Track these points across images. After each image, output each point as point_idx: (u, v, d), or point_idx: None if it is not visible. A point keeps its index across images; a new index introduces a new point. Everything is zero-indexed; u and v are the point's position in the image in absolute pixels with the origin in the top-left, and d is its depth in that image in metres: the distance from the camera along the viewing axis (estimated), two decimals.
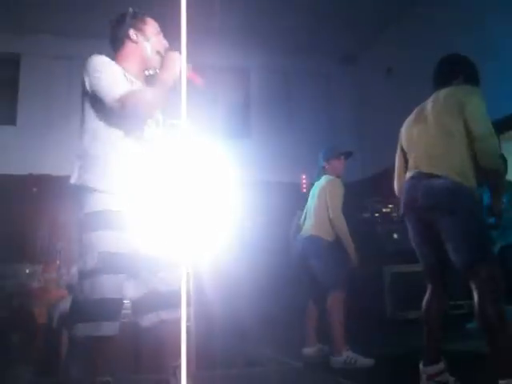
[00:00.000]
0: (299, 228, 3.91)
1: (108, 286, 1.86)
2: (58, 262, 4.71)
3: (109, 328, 1.84)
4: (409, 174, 2.52)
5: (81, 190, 1.92)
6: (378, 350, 3.57)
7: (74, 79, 5.90)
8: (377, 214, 5.26)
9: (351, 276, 3.66)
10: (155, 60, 2.10)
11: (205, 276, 3.32)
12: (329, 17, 5.98)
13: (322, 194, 3.71)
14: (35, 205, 5.36)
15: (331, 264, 3.56)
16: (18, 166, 5.51)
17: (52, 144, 5.50)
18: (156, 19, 2.18)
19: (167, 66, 1.94)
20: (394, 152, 2.74)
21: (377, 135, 6.26)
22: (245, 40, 6.26)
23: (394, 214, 5.10)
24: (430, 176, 2.37)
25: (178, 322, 1.36)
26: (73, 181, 1.94)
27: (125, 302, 2.00)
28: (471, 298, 2.22)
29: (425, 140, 2.48)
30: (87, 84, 1.93)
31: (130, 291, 2.00)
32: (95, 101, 1.93)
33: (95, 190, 1.89)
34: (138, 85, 2.02)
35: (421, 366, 2.45)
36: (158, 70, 2.06)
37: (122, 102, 1.85)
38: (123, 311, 1.96)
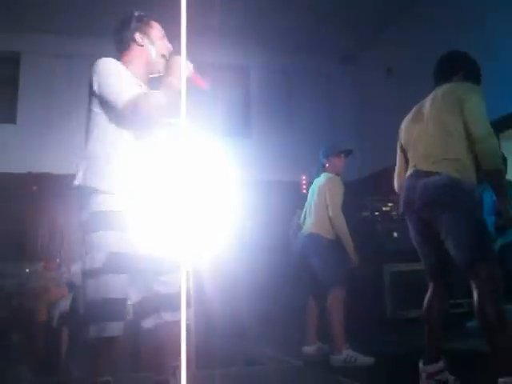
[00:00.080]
0: (299, 226, 3.92)
1: (116, 285, 1.87)
2: (58, 261, 4.72)
3: (118, 328, 1.86)
4: (408, 173, 2.53)
5: (86, 191, 1.92)
6: (377, 349, 3.57)
7: (74, 78, 5.92)
8: (377, 213, 5.26)
9: (351, 275, 3.67)
10: (160, 63, 2.11)
11: (205, 275, 3.32)
12: (329, 16, 5.98)
13: (321, 192, 3.71)
14: (35, 203, 5.36)
15: (331, 262, 3.55)
16: (17, 165, 5.51)
17: (52, 142, 5.51)
18: (156, 18, 2.19)
19: (175, 70, 1.92)
20: (394, 151, 2.74)
21: (377, 135, 6.26)
22: (245, 39, 6.26)
23: (394, 213, 5.10)
24: (429, 174, 2.37)
25: (177, 321, 1.36)
26: (78, 182, 1.94)
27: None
28: (471, 296, 2.22)
29: (424, 139, 2.48)
30: (96, 85, 1.94)
31: (133, 292, 2.00)
32: (105, 103, 1.93)
33: (103, 191, 1.89)
34: (144, 88, 2.03)
35: (420, 364, 2.45)
36: (161, 74, 2.07)
37: (134, 105, 1.86)
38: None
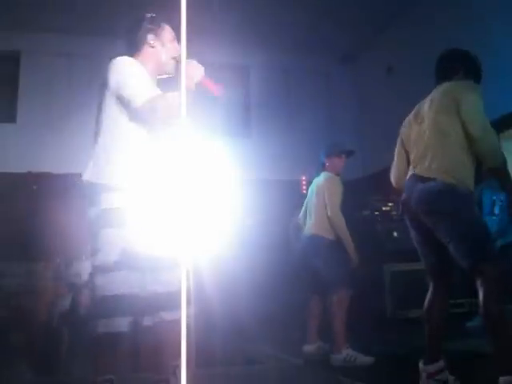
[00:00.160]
0: (299, 226, 3.91)
1: (127, 281, 1.89)
2: (58, 260, 4.71)
3: (126, 324, 1.88)
4: (409, 173, 2.52)
5: (96, 187, 1.93)
6: (377, 348, 3.57)
7: (74, 77, 5.93)
8: (377, 213, 5.27)
9: (351, 275, 3.66)
10: (170, 65, 2.15)
11: (205, 274, 3.32)
12: (329, 15, 5.98)
13: (320, 192, 3.70)
14: (35, 203, 5.36)
15: (334, 263, 3.54)
16: (17, 164, 5.51)
17: (52, 142, 5.51)
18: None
19: (189, 73, 1.94)
20: (394, 151, 2.73)
21: (377, 134, 6.26)
22: (245, 38, 6.26)
23: (394, 213, 5.11)
24: (425, 180, 2.36)
25: (177, 320, 1.36)
26: (86, 177, 1.96)
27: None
28: (472, 296, 2.22)
29: (422, 140, 2.47)
30: (113, 84, 1.96)
31: (141, 289, 2.00)
32: (121, 102, 1.96)
33: (115, 188, 1.91)
34: (157, 89, 2.05)
35: (421, 364, 2.45)
36: (171, 75, 2.12)
37: (152, 106, 1.89)
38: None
